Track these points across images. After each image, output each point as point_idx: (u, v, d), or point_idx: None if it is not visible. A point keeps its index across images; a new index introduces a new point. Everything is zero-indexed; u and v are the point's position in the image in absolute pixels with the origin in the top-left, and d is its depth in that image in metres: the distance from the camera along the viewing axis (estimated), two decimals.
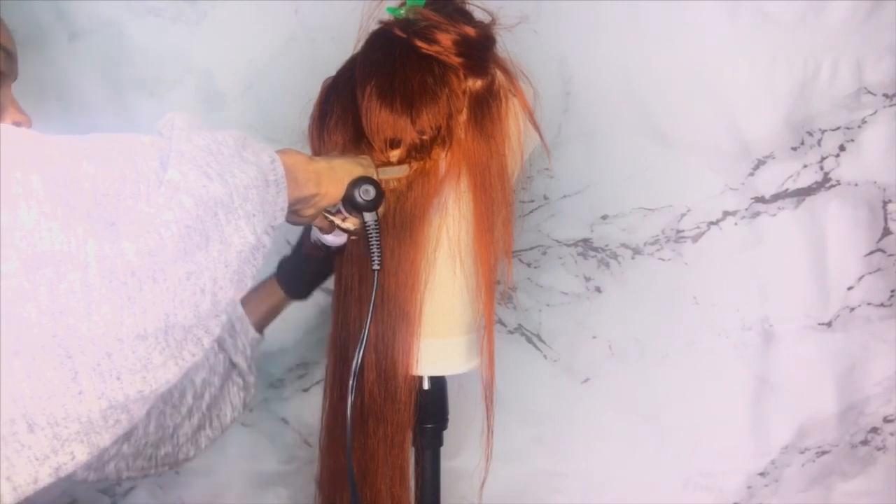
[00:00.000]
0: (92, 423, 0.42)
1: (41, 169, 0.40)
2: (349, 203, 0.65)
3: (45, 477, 0.41)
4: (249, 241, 0.49)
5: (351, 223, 0.68)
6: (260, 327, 0.92)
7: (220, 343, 0.88)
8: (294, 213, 0.64)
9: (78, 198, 0.40)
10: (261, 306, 0.92)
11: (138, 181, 0.44)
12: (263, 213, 0.52)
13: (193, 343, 0.47)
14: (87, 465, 0.79)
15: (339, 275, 0.79)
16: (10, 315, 0.37)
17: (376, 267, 0.66)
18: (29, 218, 0.38)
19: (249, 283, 0.52)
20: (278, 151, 0.58)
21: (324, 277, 0.94)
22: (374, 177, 0.68)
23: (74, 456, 0.42)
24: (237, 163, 0.51)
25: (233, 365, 0.89)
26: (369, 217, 0.66)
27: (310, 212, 0.65)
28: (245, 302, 0.91)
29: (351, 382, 0.65)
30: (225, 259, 0.47)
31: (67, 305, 0.39)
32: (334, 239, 0.75)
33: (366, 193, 0.64)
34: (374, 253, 0.66)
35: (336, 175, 0.64)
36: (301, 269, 0.93)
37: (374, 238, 0.66)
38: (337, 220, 0.68)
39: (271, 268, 0.95)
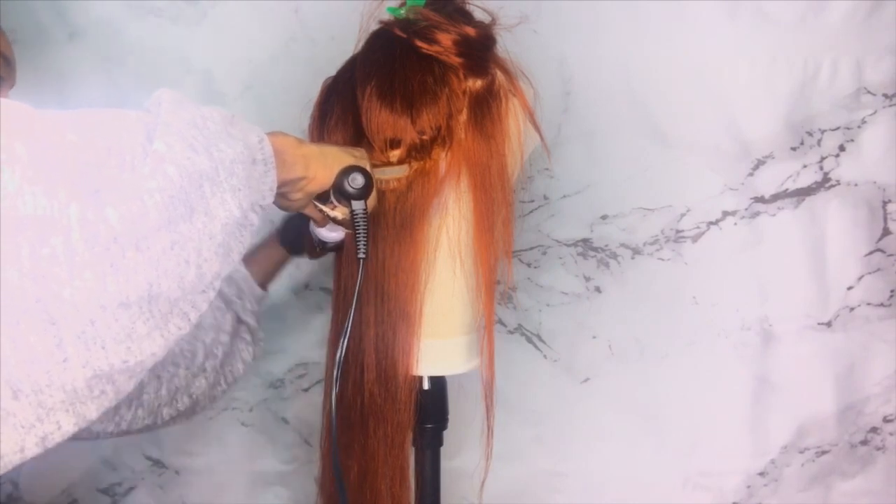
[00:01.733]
0: (77, 393, 0.41)
1: (25, 137, 0.40)
2: (338, 191, 0.65)
3: (31, 446, 0.41)
4: (235, 214, 0.50)
5: (340, 212, 0.67)
6: (263, 283, 0.95)
7: (227, 303, 0.90)
8: (282, 197, 0.64)
9: (62, 165, 0.40)
10: (263, 263, 0.95)
11: (123, 152, 0.44)
12: (250, 189, 0.52)
13: (179, 317, 0.47)
14: (104, 430, 0.79)
15: (339, 275, 0.79)
16: None
17: (361, 255, 0.66)
18: (12, 182, 0.38)
19: (236, 258, 0.52)
20: (268, 133, 0.58)
21: None
22: (366, 168, 0.67)
23: (60, 426, 0.42)
24: (223, 138, 0.51)
25: (241, 322, 0.91)
26: (357, 206, 0.65)
27: (298, 196, 0.65)
28: (248, 261, 0.94)
29: (335, 373, 0.65)
30: (210, 231, 0.47)
31: (50, 270, 0.38)
32: (328, 234, 0.75)
33: (354, 181, 0.64)
34: (360, 242, 0.66)
35: (326, 161, 0.64)
36: (298, 224, 0.94)
37: (362, 227, 0.65)
38: (327, 209, 0.67)
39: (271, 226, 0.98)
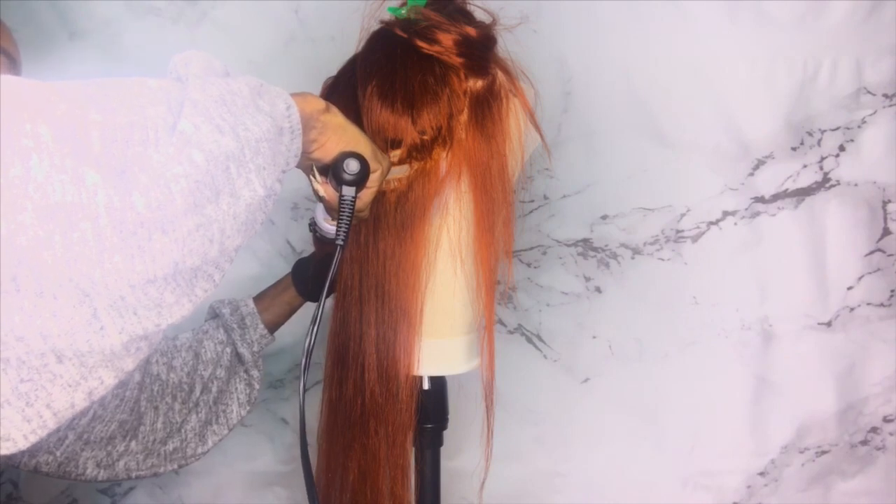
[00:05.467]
0: (115, 353, 0.44)
1: (49, 120, 0.40)
2: (332, 170, 0.64)
3: (80, 401, 0.44)
4: (259, 193, 0.50)
5: (324, 190, 0.66)
6: (272, 326, 0.92)
7: (228, 331, 0.89)
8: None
9: (87, 146, 0.41)
10: (274, 304, 0.92)
11: (146, 127, 0.44)
12: (275, 165, 0.52)
13: (205, 279, 0.48)
14: (97, 463, 0.80)
15: (340, 275, 0.79)
16: (29, 260, 0.39)
17: (340, 242, 0.65)
18: (41, 170, 0.39)
19: (258, 229, 0.53)
20: (296, 95, 0.58)
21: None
22: (376, 165, 0.66)
23: (103, 380, 0.45)
24: (251, 114, 0.51)
25: (238, 358, 0.90)
26: (347, 192, 0.64)
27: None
28: (259, 300, 0.92)
29: (303, 361, 0.63)
30: (234, 212, 0.48)
31: (81, 253, 0.40)
32: (331, 228, 0.74)
33: (349, 166, 0.63)
34: (341, 228, 0.65)
35: (344, 135, 0.63)
36: (308, 267, 0.92)
37: (346, 215, 0.64)
38: (315, 181, 0.66)
39: (287, 267, 0.96)
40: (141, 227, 0.42)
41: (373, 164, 0.65)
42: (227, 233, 0.48)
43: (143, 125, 0.44)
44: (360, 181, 0.64)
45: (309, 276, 0.92)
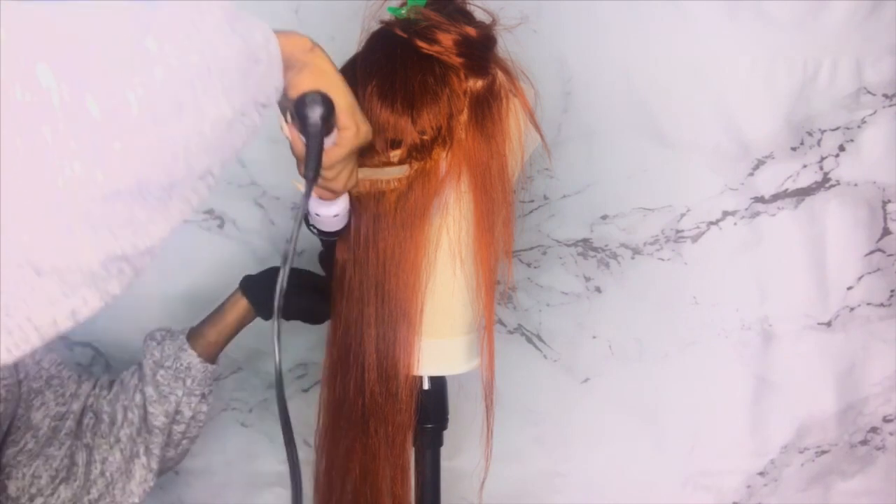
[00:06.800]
0: (94, 273, 0.43)
1: (15, 25, 0.40)
2: (295, 105, 0.60)
3: (63, 320, 0.43)
4: (226, 112, 0.49)
5: (289, 133, 0.63)
6: (215, 351, 0.87)
7: (144, 405, 0.84)
8: None
9: (49, 55, 0.41)
10: (219, 323, 0.87)
11: (106, 39, 0.44)
12: (246, 89, 0.51)
13: (181, 201, 0.48)
14: None
15: (339, 273, 0.79)
16: None
17: (309, 176, 0.61)
18: (4, 70, 0.39)
19: (230, 155, 0.51)
20: (280, 32, 0.56)
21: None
22: (349, 123, 0.63)
23: (87, 301, 0.44)
24: (223, 35, 0.50)
25: (146, 427, 0.84)
26: (312, 118, 0.59)
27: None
28: (205, 322, 0.87)
29: (275, 330, 0.59)
30: (198, 128, 0.47)
31: (43, 160, 0.40)
32: (326, 211, 0.71)
33: (310, 106, 0.59)
34: (308, 166, 0.61)
35: (322, 79, 0.61)
36: (269, 277, 0.87)
37: (313, 156, 0.60)
38: (284, 123, 0.64)
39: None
40: (98, 133, 0.41)
41: (345, 120, 0.63)
42: (192, 150, 0.47)
43: (104, 37, 0.44)
44: (321, 121, 0.60)
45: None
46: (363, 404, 0.76)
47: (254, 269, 1.13)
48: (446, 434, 0.83)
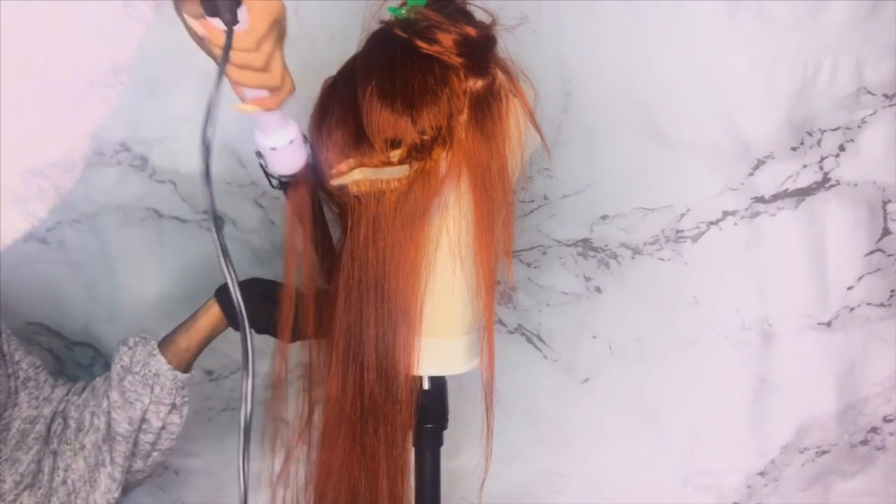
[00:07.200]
0: (14, 190, 0.43)
1: None
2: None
3: None
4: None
5: (201, 29, 0.62)
6: (189, 360, 0.85)
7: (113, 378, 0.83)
8: None
9: None
10: (191, 332, 0.85)
11: None
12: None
13: (89, 106, 0.48)
14: None
15: (339, 272, 0.79)
16: None
17: (225, 28, 0.60)
18: None
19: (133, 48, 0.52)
20: None
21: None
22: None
23: (12, 224, 0.44)
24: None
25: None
26: (214, 20, 0.59)
27: None
28: (177, 331, 0.85)
29: (246, 345, 0.58)
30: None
31: None
32: (275, 139, 0.69)
33: None
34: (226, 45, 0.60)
35: None
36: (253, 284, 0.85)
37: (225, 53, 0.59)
38: (194, 25, 0.63)
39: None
40: None
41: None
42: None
43: None
44: (225, 11, 0.59)
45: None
46: (363, 404, 0.76)
47: (254, 269, 1.13)
48: (446, 434, 0.83)
